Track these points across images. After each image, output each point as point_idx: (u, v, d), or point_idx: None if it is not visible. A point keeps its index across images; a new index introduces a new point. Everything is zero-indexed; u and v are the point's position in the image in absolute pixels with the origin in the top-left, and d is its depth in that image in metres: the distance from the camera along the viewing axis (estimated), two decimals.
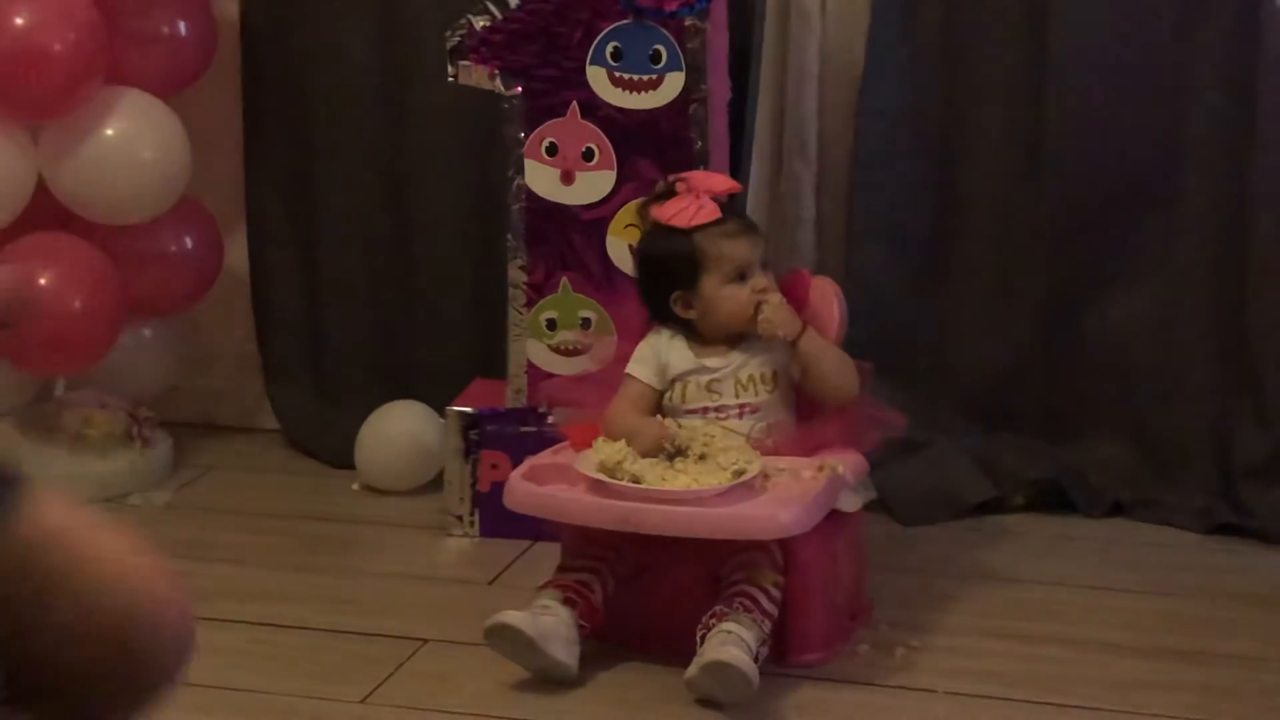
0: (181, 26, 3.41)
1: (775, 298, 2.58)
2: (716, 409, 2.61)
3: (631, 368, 2.66)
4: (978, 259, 3.32)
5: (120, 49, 3.26)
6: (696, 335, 2.64)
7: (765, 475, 2.46)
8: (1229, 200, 3.14)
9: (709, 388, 2.62)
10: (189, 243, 3.47)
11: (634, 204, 2.92)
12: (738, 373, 2.62)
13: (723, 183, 2.70)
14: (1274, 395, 3.14)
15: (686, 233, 2.59)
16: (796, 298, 2.72)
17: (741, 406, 2.61)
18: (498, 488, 2.74)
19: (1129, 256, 3.24)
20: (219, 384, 3.78)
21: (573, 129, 2.97)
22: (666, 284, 2.63)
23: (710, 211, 2.59)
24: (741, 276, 2.58)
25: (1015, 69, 3.23)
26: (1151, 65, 3.16)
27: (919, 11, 3.25)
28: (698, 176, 2.69)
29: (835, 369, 2.61)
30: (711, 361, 2.63)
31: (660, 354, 2.64)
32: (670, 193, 2.65)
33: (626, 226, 2.92)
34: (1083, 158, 3.21)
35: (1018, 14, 3.21)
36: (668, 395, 2.64)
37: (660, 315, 2.66)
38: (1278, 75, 2.91)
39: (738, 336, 2.63)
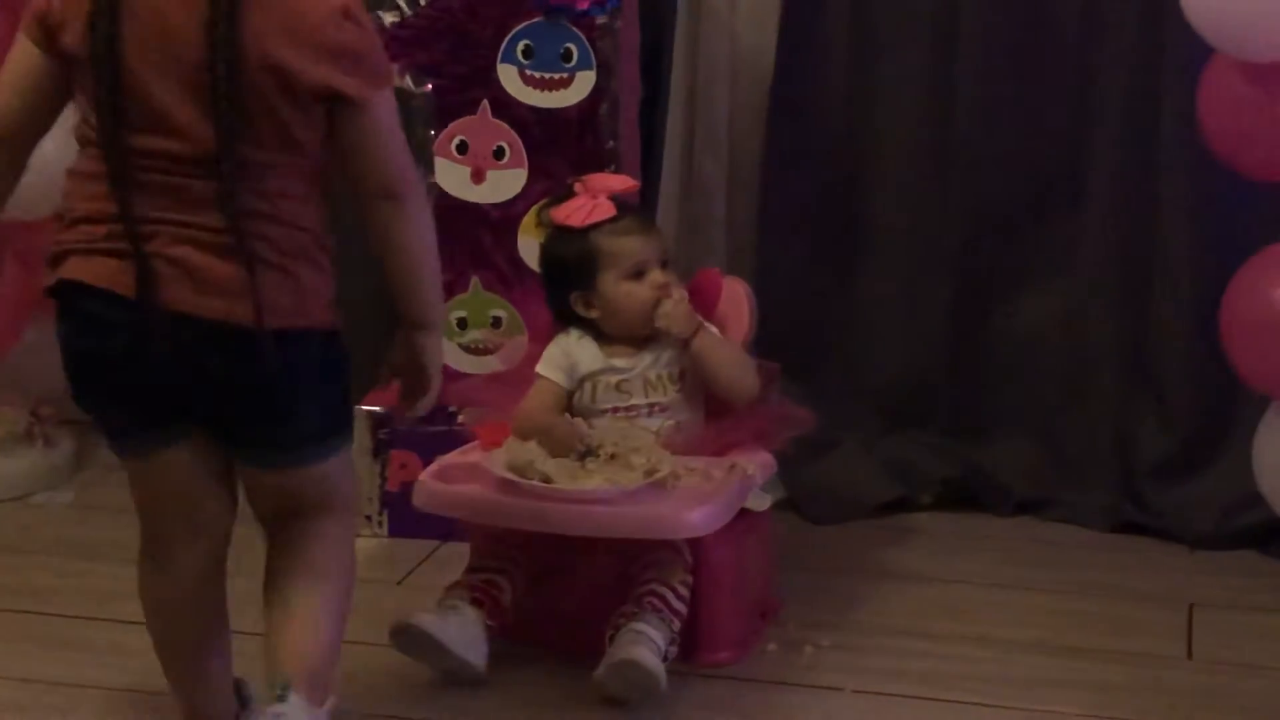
0: None
1: (676, 294, 2.59)
2: (626, 408, 2.62)
3: (541, 367, 2.66)
4: (887, 259, 3.34)
5: None
6: (604, 335, 2.64)
7: (676, 475, 2.46)
8: (1134, 203, 3.18)
9: (618, 387, 2.62)
10: None
11: (540, 206, 2.92)
12: (646, 372, 2.63)
13: (620, 182, 2.71)
14: (1177, 396, 3.18)
15: (582, 232, 2.60)
16: (707, 298, 2.73)
17: (651, 405, 2.62)
18: (407, 487, 2.72)
19: (1036, 257, 3.27)
20: None
21: (483, 127, 2.96)
22: (566, 284, 2.64)
23: (605, 210, 2.61)
24: (639, 273, 2.59)
25: (925, 70, 3.26)
26: (1059, 67, 3.20)
27: (829, 12, 3.27)
28: (596, 178, 2.69)
29: (731, 367, 2.62)
30: (620, 361, 2.63)
31: (569, 353, 2.64)
32: (569, 194, 2.65)
33: (537, 225, 2.91)
34: (991, 159, 3.24)
35: (927, 15, 3.24)
36: (577, 395, 2.64)
37: (565, 317, 2.66)
38: (1182, 79, 2.94)
39: (646, 336, 2.63)
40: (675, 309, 2.58)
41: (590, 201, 2.62)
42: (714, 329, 2.65)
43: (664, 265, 2.62)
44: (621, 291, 2.60)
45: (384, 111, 2.01)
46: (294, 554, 2.13)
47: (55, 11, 1.94)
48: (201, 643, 2.18)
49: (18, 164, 2.10)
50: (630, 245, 2.59)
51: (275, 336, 1.97)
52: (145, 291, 1.94)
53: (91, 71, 1.93)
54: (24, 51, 1.99)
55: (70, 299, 2.01)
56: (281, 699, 2.03)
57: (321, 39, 1.92)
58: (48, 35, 1.96)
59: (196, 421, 2.05)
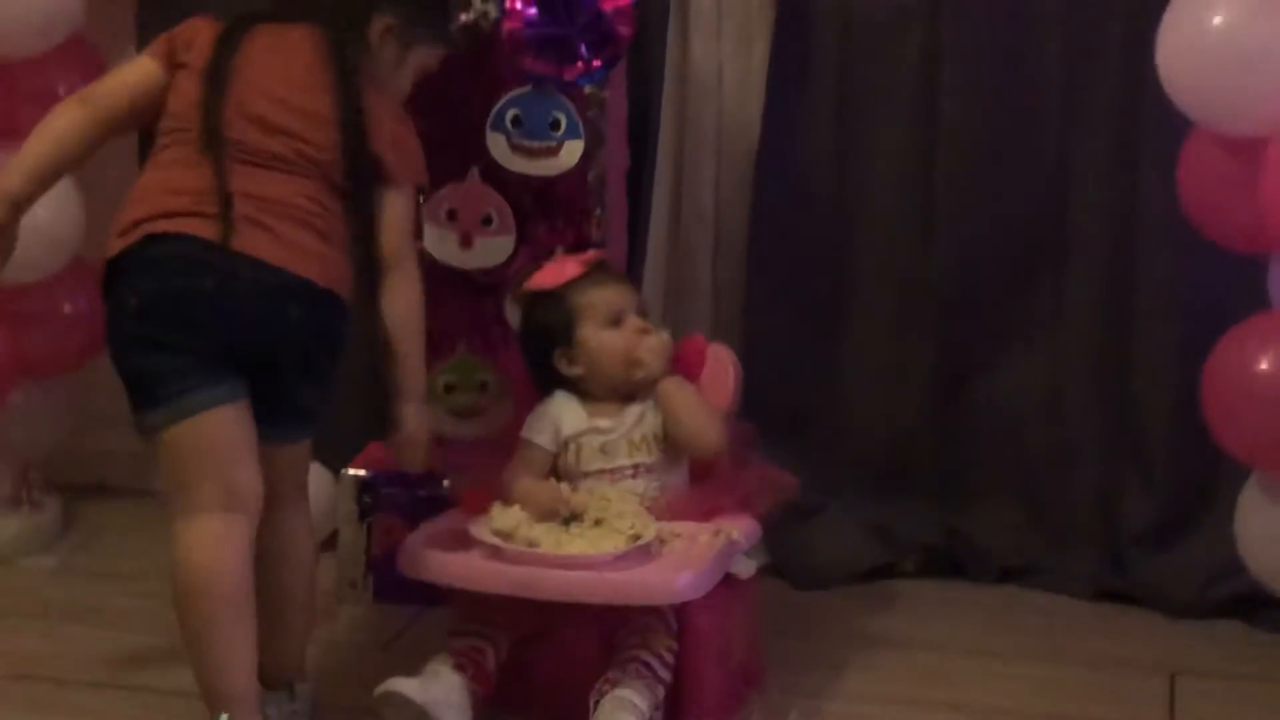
0: (77, 85, 3.37)
1: (658, 337, 2.64)
2: (611, 470, 2.62)
3: (526, 431, 2.67)
4: (872, 324, 3.37)
5: (15, 108, 3.23)
6: (588, 394, 2.66)
7: (661, 540, 2.47)
8: (1116, 271, 3.21)
9: (602, 449, 2.63)
10: (81, 303, 3.43)
11: (531, 269, 2.94)
12: (630, 433, 2.64)
13: (588, 254, 2.77)
14: (1160, 464, 3.20)
15: (557, 291, 2.66)
16: (691, 365, 2.75)
17: (635, 467, 2.63)
18: (392, 552, 2.72)
19: (1019, 324, 3.30)
20: (111, 445, 3.73)
21: (472, 194, 2.99)
22: (548, 346, 2.67)
23: (574, 268, 2.69)
24: (616, 320, 2.63)
25: (907, 141, 3.29)
26: (1040, 138, 3.24)
27: (814, 81, 3.30)
28: (565, 256, 2.81)
29: (694, 414, 2.63)
30: (603, 422, 2.64)
31: (552, 416, 2.66)
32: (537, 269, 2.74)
33: (512, 302, 2.95)
34: (973, 228, 3.27)
35: (909, 85, 3.27)
36: (562, 458, 2.65)
37: (547, 383, 2.69)
38: (1162, 151, 2.97)
39: (629, 394, 2.65)
40: (658, 345, 2.62)
41: (560, 264, 2.70)
42: (686, 383, 2.66)
43: (642, 314, 2.66)
44: (603, 339, 2.63)
45: (406, 196, 2.46)
46: (277, 561, 2.43)
47: (182, 40, 2.44)
48: (233, 613, 2.29)
49: (98, 142, 2.47)
50: (604, 294, 2.65)
51: (331, 300, 2.35)
52: (230, 238, 2.27)
53: (204, 79, 2.37)
54: (138, 63, 2.47)
55: (154, 249, 2.29)
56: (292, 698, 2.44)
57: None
58: (171, 53, 2.43)
59: (246, 381, 2.32)
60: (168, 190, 2.34)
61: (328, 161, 2.38)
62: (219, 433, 2.30)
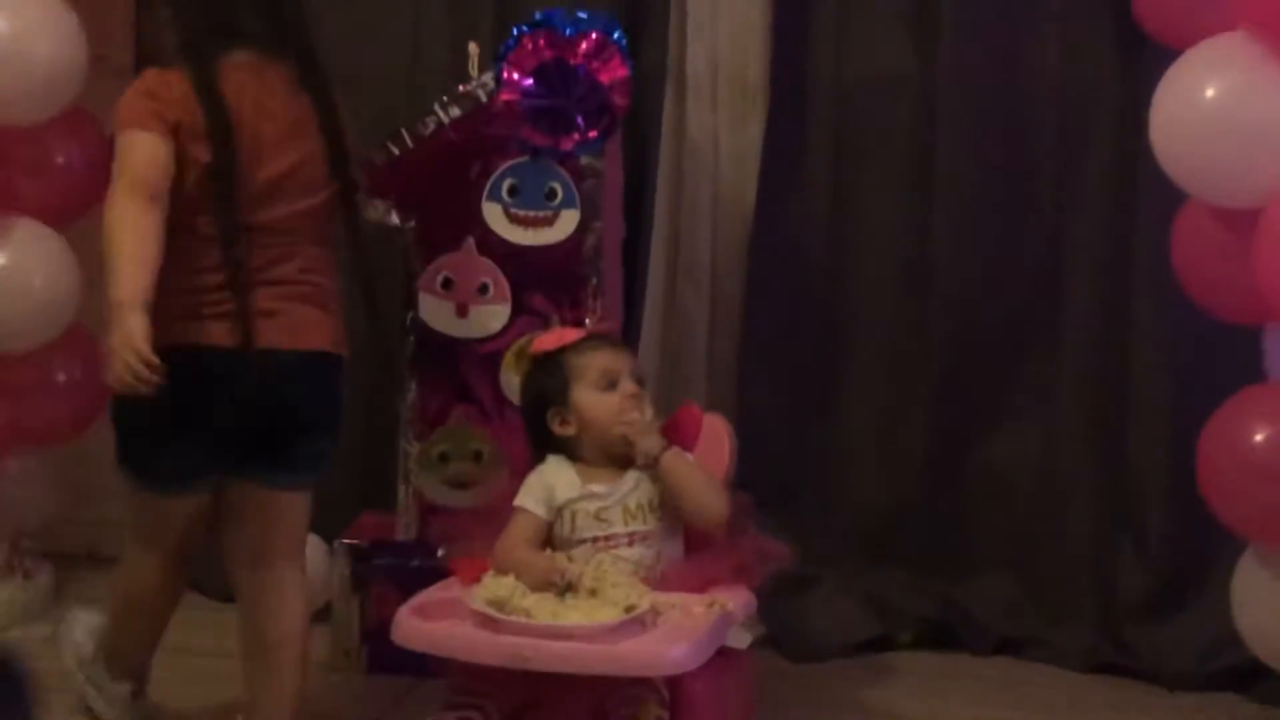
0: (76, 156, 3.40)
1: (646, 412, 2.64)
2: (606, 538, 2.61)
3: (520, 499, 2.66)
4: (865, 397, 3.37)
5: (13, 178, 3.25)
6: (583, 459, 2.66)
7: (655, 611, 2.46)
8: (1111, 341, 3.22)
9: (597, 515, 2.62)
10: (76, 372, 3.43)
11: (527, 339, 2.95)
12: (625, 499, 2.63)
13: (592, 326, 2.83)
14: (1155, 535, 3.20)
15: (555, 353, 2.68)
16: (687, 434, 2.74)
17: (631, 535, 2.62)
18: (386, 623, 2.71)
19: (1014, 394, 3.30)
20: (106, 514, 3.72)
21: (468, 263, 3.00)
22: (543, 406, 2.68)
23: (575, 333, 2.73)
24: (611, 384, 2.64)
25: (902, 209, 3.31)
26: (1035, 208, 3.25)
27: (809, 152, 3.33)
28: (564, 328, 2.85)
29: (698, 488, 2.62)
30: (598, 487, 2.64)
31: (547, 482, 2.65)
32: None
33: (515, 363, 2.95)
34: (968, 296, 3.28)
35: (903, 154, 3.30)
36: (557, 525, 2.64)
37: (543, 444, 2.68)
38: (1156, 222, 2.99)
39: (625, 460, 2.65)
40: (641, 420, 2.62)
41: (560, 330, 2.76)
42: (686, 454, 2.66)
43: (638, 383, 2.67)
44: (596, 402, 2.64)
45: None
46: (269, 617, 2.59)
47: (166, 102, 2.48)
48: (162, 623, 2.78)
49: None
50: (599, 358, 2.66)
51: (334, 362, 2.58)
52: (250, 342, 2.45)
53: (211, 150, 2.46)
54: (157, 144, 2.47)
55: (180, 363, 2.37)
56: None
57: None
58: (168, 121, 2.47)
59: (243, 456, 2.53)
60: (190, 290, 2.47)
61: (320, 205, 2.55)
62: (188, 510, 2.64)
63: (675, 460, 2.62)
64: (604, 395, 2.64)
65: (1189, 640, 3.10)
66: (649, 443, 2.61)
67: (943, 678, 3.13)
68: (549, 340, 2.72)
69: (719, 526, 2.65)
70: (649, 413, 2.66)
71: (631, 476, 2.64)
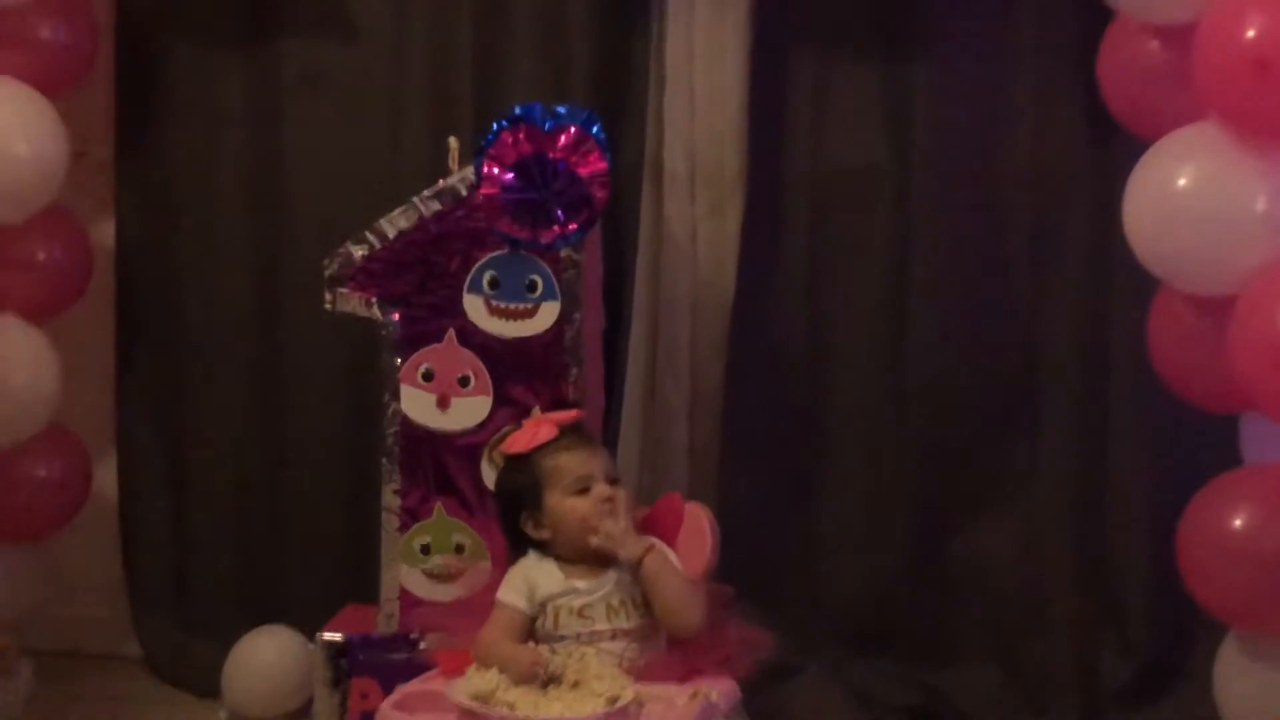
0: (57, 253, 3.41)
1: (621, 517, 2.61)
2: (589, 634, 2.61)
3: (502, 593, 2.66)
4: (846, 485, 3.38)
5: None
6: (560, 557, 2.65)
7: (639, 702, 2.45)
8: (1089, 430, 3.24)
9: (580, 613, 2.62)
10: (57, 469, 3.42)
11: (508, 430, 2.96)
12: (609, 596, 2.62)
13: (567, 414, 2.77)
14: (1137, 622, 3.20)
15: (528, 456, 2.67)
16: (668, 524, 2.74)
17: (614, 630, 2.61)
18: (367, 717, 2.70)
19: (994, 482, 3.31)
20: (84, 611, 3.71)
21: (449, 355, 3.00)
22: (517, 508, 2.67)
23: (547, 432, 2.69)
24: (583, 489, 2.63)
25: (880, 300, 3.34)
26: (1012, 296, 3.28)
27: (786, 242, 3.35)
28: (544, 415, 2.78)
29: (675, 594, 2.61)
30: (581, 583, 2.63)
31: (529, 577, 2.64)
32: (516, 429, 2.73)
33: (488, 462, 2.95)
34: (946, 387, 3.30)
35: (880, 245, 3.33)
36: (539, 621, 2.63)
37: (519, 544, 2.68)
38: (1132, 303, 3.02)
39: (605, 557, 2.64)
40: (615, 528, 2.60)
41: (533, 428, 2.71)
42: (668, 551, 2.65)
43: (613, 482, 2.65)
44: (567, 507, 2.63)
45: None
46: None
47: None
48: None
49: None
50: (571, 461, 2.65)
51: None
52: None
53: None
54: None
55: None
56: None
57: None
58: None
59: None
60: None
61: None
62: None
63: (656, 565, 2.61)
64: (576, 500, 2.63)
65: None
66: (628, 550, 2.60)
67: None
68: (520, 440, 2.71)
69: (691, 635, 2.63)
70: (623, 514, 2.62)
71: (613, 573, 2.64)
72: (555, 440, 2.68)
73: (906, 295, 3.31)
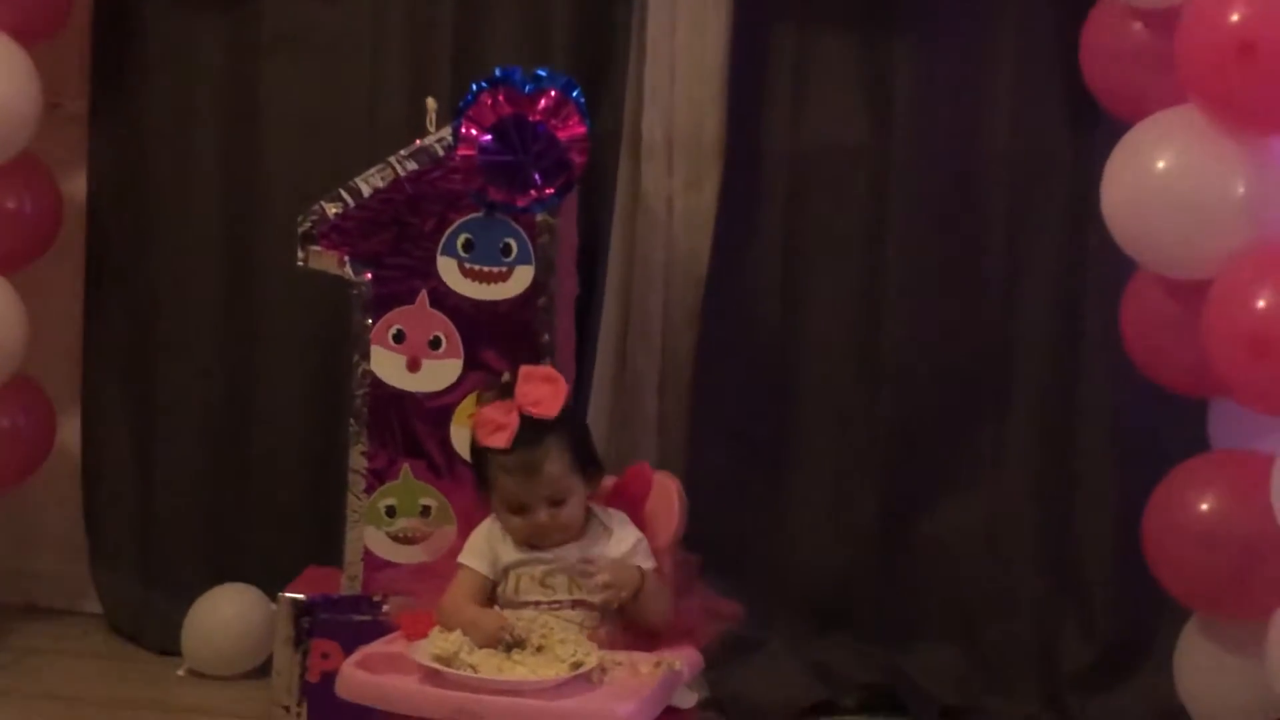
0: (27, 203, 3.38)
1: (602, 576, 2.54)
2: (550, 603, 2.60)
3: (464, 557, 2.64)
4: (814, 462, 3.37)
5: None
6: None
7: (603, 668, 2.44)
8: (1057, 413, 3.24)
9: (542, 581, 2.60)
10: (20, 420, 3.40)
11: (474, 394, 2.94)
12: (572, 567, 2.61)
13: (544, 407, 2.61)
14: (1100, 605, 3.21)
15: (482, 449, 2.61)
16: (637, 493, 2.73)
17: (575, 601, 2.60)
18: (328, 678, 2.68)
19: (962, 465, 3.32)
20: (42, 565, 3.69)
21: (421, 317, 2.99)
22: (477, 475, 2.66)
23: (500, 439, 2.59)
24: (520, 510, 2.59)
25: (855, 278, 3.33)
26: (985, 279, 3.28)
27: (762, 216, 3.34)
28: (527, 388, 2.62)
29: (657, 617, 2.59)
30: (544, 553, 2.62)
31: (493, 543, 2.63)
32: (505, 391, 2.64)
33: (470, 415, 2.92)
34: (918, 366, 3.30)
35: (856, 220, 3.33)
36: (501, 586, 2.62)
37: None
38: (1104, 293, 3.02)
39: None
40: (610, 586, 2.54)
41: (495, 421, 2.61)
42: (650, 570, 2.61)
43: (557, 503, 2.59)
44: (503, 516, 2.62)
45: None
46: None
47: None
48: None
49: None
50: (508, 485, 2.59)
51: None
52: None
53: None
54: None
55: None
56: None
57: None
58: None
59: None
60: None
61: None
62: None
63: (647, 597, 2.57)
64: (512, 517, 2.61)
65: (1132, 710, 3.11)
66: (626, 593, 2.55)
67: None
68: (482, 429, 2.61)
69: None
70: (604, 576, 2.54)
71: (577, 545, 2.63)
72: (504, 453, 2.59)
73: (881, 274, 3.31)
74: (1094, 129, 3.09)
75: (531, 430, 2.59)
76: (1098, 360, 3.17)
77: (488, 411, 2.62)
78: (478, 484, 2.66)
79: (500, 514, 2.61)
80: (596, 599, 2.54)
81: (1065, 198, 3.21)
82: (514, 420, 2.59)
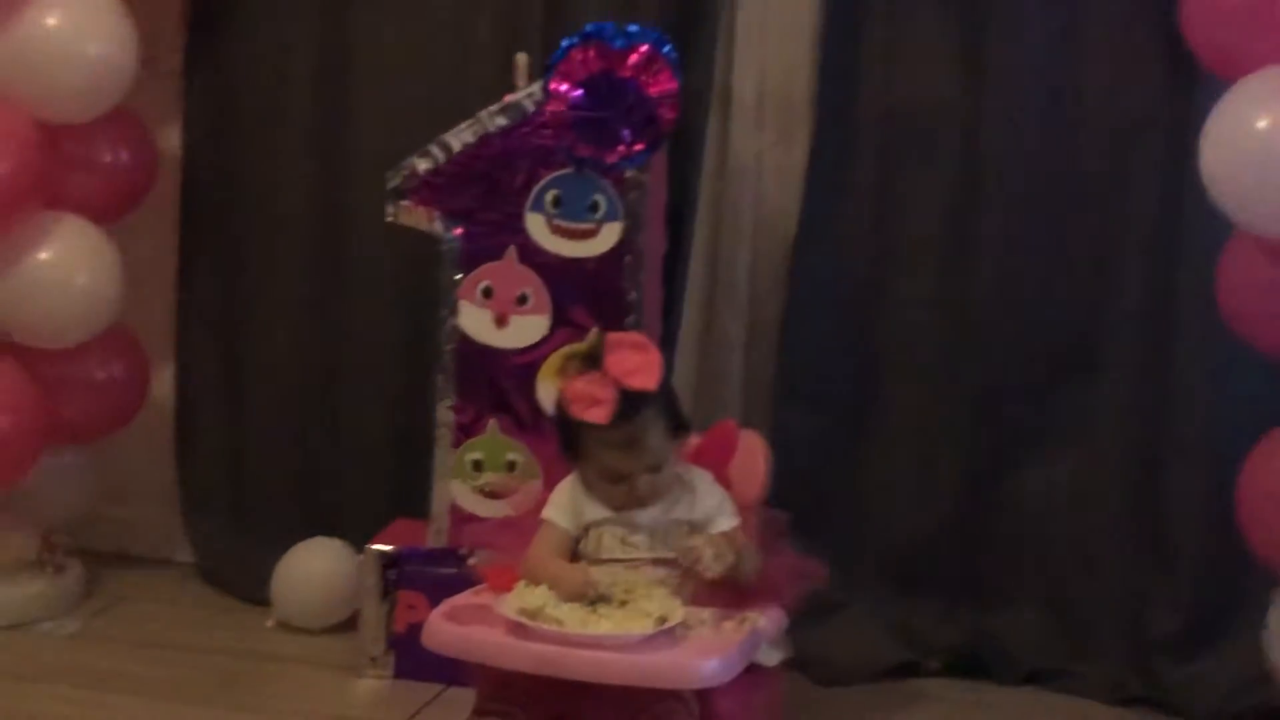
0: (123, 155, 3.42)
1: (709, 550, 2.51)
2: (632, 560, 2.60)
3: (548, 512, 2.65)
4: (901, 422, 3.35)
5: (61, 174, 3.27)
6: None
7: (687, 625, 2.45)
8: (1151, 374, 3.19)
9: (624, 540, 2.61)
10: (116, 370, 3.45)
11: (565, 351, 2.95)
12: (654, 525, 2.61)
13: (640, 378, 2.56)
14: (1189, 570, 3.17)
15: (576, 422, 2.57)
16: (722, 450, 2.73)
17: (656, 559, 2.60)
18: (414, 629, 2.71)
19: (1050, 425, 3.28)
20: (136, 514, 3.74)
21: (509, 273, 3.00)
22: (565, 443, 2.64)
23: (599, 414, 2.55)
24: (617, 480, 2.58)
25: (945, 238, 3.30)
26: (1079, 237, 3.23)
27: (853, 175, 3.31)
28: (618, 358, 2.57)
29: (746, 570, 2.57)
30: (628, 512, 2.62)
31: (576, 499, 2.64)
32: (593, 358, 2.60)
33: (557, 384, 2.93)
34: (1008, 328, 3.26)
35: (949, 184, 3.28)
36: (583, 543, 2.63)
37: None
38: (1202, 254, 2.98)
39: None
40: (712, 557, 2.51)
41: (594, 394, 2.56)
42: (736, 530, 2.62)
43: (655, 470, 2.58)
44: (599, 486, 2.61)
45: None
46: None
47: None
48: None
49: None
50: (608, 458, 2.58)
51: None
52: None
53: None
54: None
55: None
56: None
57: None
58: None
59: None
60: None
61: None
62: None
63: (744, 569, 2.57)
64: (608, 485, 2.60)
65: (1220, 676, 3.07)
66: (723, 565, 2.51)
67: (970, 706, 3.11)
68: (577, 403, 2.56)
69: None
70: (711, 550, 2.51)
71: (663, 503, 2.63)
72: (603, 428, 2.56)
73: (972, 234, 3.27)
74: (1193, 88, 3.03)
75: (630, 404, 2.55)
76: (1192, 322, 3.11)
77: (580, 385, 2.57)
78: (565, 453, 2.65)
79: (595, 484, 2.61)
80: (710, 575, 2.50)
81: (1162, 157, 3.15)
82: (611, 394, 2.55)
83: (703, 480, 2.66)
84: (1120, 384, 3.23)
